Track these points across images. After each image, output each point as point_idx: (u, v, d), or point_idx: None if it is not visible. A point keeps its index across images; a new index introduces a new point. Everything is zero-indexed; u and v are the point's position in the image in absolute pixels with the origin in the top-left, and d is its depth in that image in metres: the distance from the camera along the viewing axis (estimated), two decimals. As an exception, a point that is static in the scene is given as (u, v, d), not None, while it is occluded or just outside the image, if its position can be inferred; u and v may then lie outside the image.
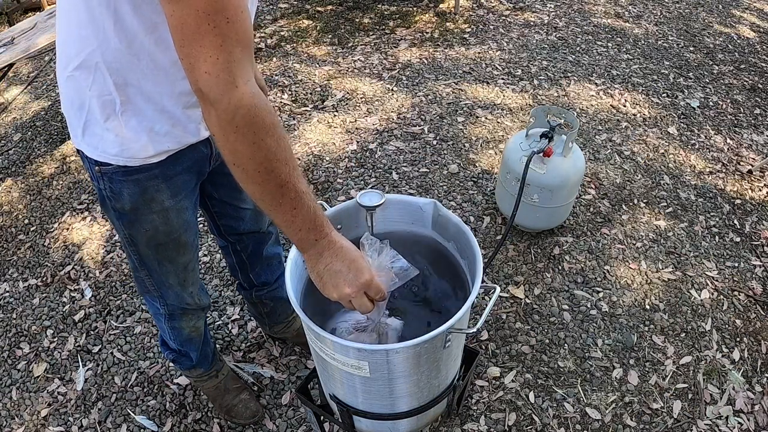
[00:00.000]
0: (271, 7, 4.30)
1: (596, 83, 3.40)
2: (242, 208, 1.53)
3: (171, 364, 1.99)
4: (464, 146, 2.91)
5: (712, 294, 2.23)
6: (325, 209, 1.43)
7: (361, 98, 3.27)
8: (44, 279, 2.34)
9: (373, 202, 1.31)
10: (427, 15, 4.16)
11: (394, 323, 1.35)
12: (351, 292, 1.03)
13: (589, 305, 2.17)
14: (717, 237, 2.47)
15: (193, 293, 1.50)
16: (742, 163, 2.86)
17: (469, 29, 3.96)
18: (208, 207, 1.51)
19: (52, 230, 2.56)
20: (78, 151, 1.18)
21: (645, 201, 2.63)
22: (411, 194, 2.64)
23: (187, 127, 1.16)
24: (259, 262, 1.71)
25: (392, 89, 3.34)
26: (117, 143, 1.10)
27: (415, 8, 4.25)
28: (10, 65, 2.88)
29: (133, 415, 1.88)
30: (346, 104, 3.23)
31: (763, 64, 3.68)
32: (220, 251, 2.35)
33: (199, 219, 1.62)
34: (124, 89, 1.04)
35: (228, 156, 0.89)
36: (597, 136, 2.99)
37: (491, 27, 3.98)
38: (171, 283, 1.43)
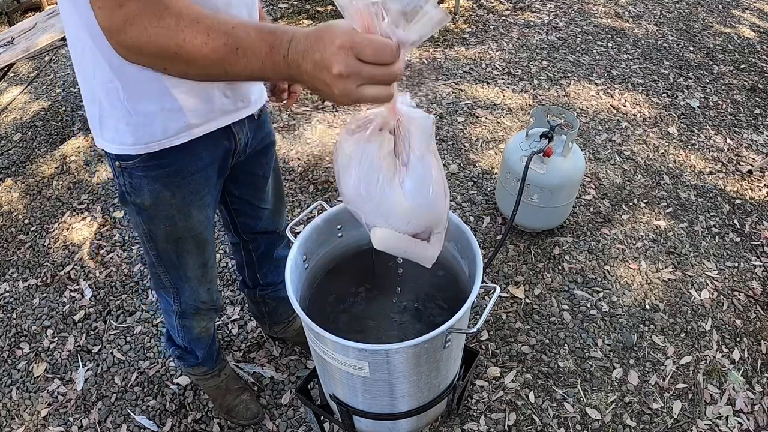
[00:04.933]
0: (271, 7, 4.29)
1: (596, 83, 3.40)
2: (261, 207, 1.53)
3: (173, 362, 1.99)
4: (464, 146, 2.91)
5: (712, 294, 2.23)
6: (325, 209, 1.43)
7: (361, 98, 3.27)
8: (44, 279, 2.34)
9: (373, 202, 1.30)
10: (427, 15, 4.15)
11: (417, 114, 0.95)
12: (343, 70, 0.71)
13: (589, 305, 2.17)
14: (717, 237, 2.47)
15: (210, 290, 1.50)
16: (742, 163, 2.86)
17: (469, 29, 3.96)
18: (227, 203, 1.50)
19: (52, 230, 2.56)
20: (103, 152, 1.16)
21: (645, 201, 2.62)
22: (411, 194, 2.63)
23: (200, 94, 1.10)
24: (268, 262, 1.71)
25: (392, 89, 3.34)
26: (130, 132, 1.09)
27: (415, 8, 4.24)
28: (10, 65, 2.88)
29: (133, 415, 1.88)
30: (346, 104, 3.23)
31: (763, 64, 3.68)
32: (222, 250, 2.35)
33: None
34: (121, 70, 1.01)
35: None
36: (597, 136, 2.99)
37: (491, 27, 3.98)
38: (189, 277, 1.42)
